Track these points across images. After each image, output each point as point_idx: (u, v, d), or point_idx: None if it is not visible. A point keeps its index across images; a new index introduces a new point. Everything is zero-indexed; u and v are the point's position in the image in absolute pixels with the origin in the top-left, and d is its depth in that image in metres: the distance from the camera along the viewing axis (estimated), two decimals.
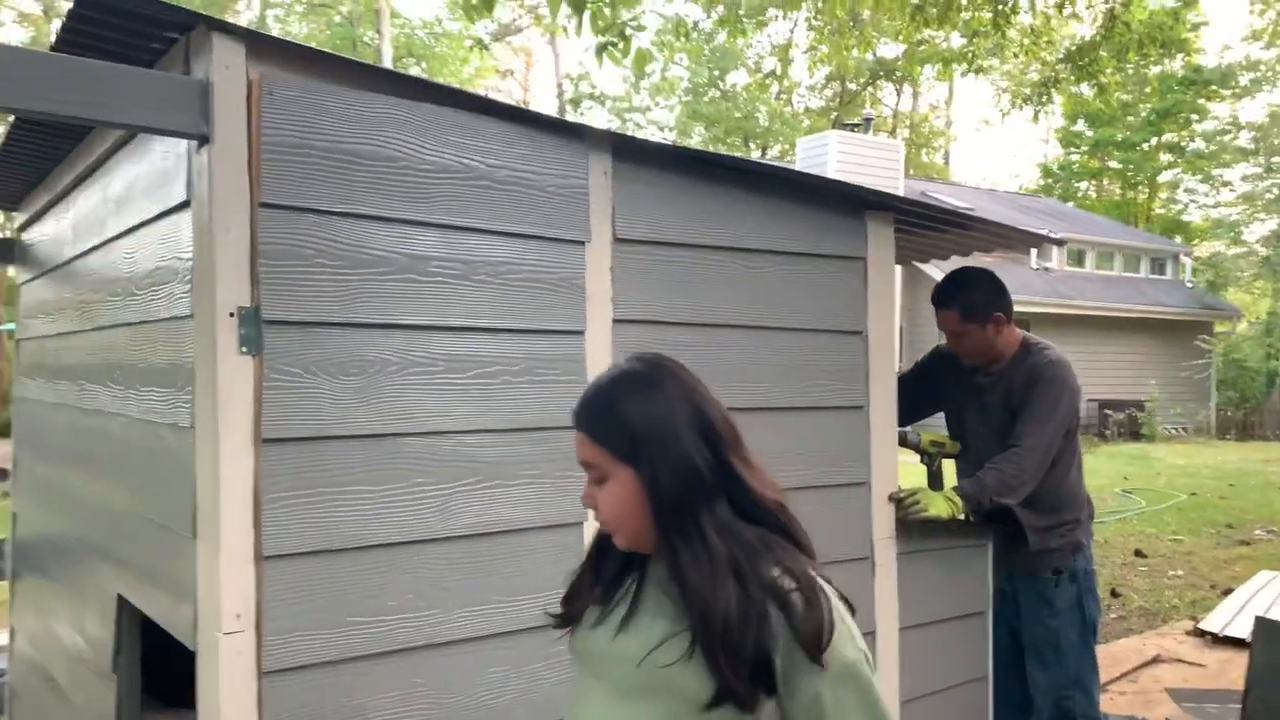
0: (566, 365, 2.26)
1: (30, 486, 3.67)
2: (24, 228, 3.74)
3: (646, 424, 1.32)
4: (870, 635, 2.85)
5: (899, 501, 2.82)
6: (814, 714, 1.26)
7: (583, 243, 2.27)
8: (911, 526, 2.85)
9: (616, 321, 2.32)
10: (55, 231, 3.25)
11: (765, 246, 2.57)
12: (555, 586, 2.21)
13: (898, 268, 2.93)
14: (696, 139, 30.27)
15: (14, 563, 3.75)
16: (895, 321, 2.82)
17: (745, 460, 1.35)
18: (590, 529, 2.30)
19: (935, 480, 3.17)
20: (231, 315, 1.83)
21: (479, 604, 2.12)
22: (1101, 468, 12.94)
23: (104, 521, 2.59)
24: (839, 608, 1.30)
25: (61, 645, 3.07)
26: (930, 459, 3.20)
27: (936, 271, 14.21)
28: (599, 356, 2.29)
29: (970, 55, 8.36)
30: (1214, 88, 30.35)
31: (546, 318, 2.22)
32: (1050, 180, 35.27)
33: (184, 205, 1.98)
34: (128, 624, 2.48)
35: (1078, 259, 22.00)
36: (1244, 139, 30.68)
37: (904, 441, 3.07)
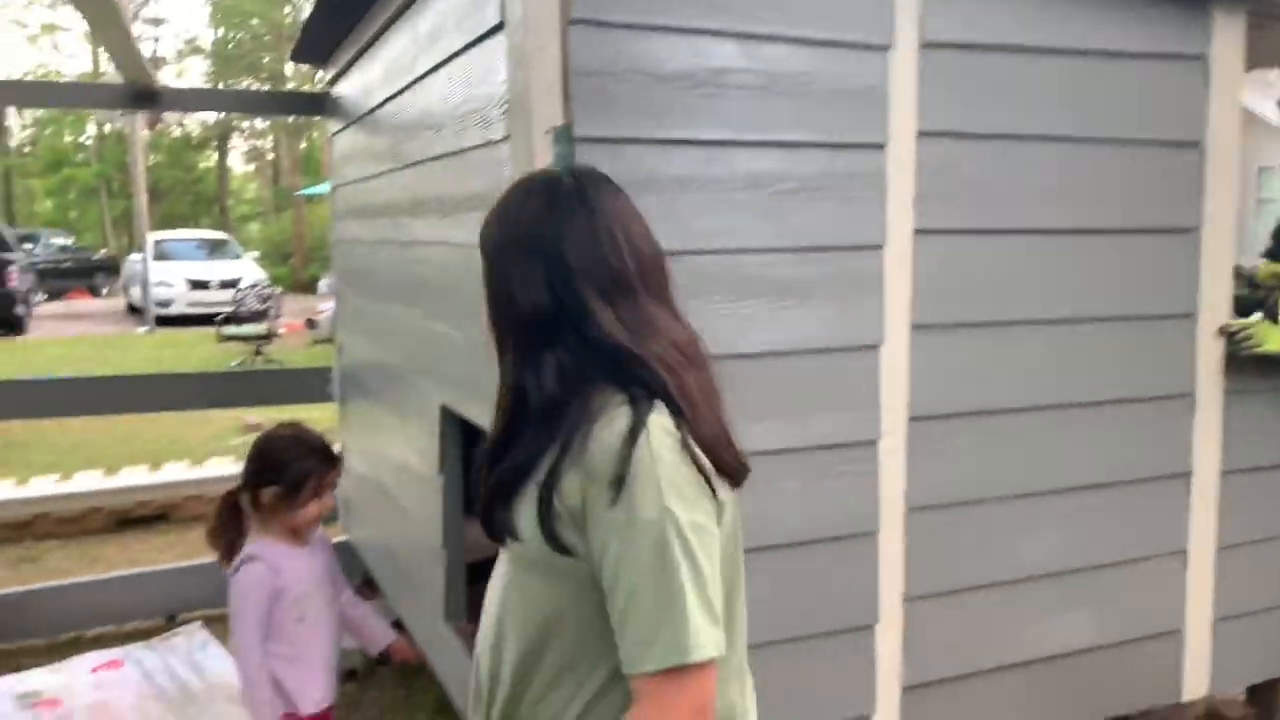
0: (866, 180, 2.17)
1: (353, 320, 4.08)
2: (333, 81, 4.04)
3: (509, 229, 1.24)
4: (1185, 477, 2.66)
5: (1230, 335, 2.55)
6: (602, 562, 1.12)
7: (887, 48, 2.14)
8: (1244, 363, 2.58)
9: (921, 134, 2.19)
10: (364, 81, 3.48)
11: (1088, 46, 2.31)
12: (845, 406, 2.22)
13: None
14: None
15: (342, 388, 4.23)
16: (1239, 130, 2.48)
17: (630, 301, 1.18)
18: (889, 352, 2.26)
19: (1274, 314, 2.84)
20: (547, 133, 1.89)
21: (771, 418, 2.15)
22: None
23: (425, 342, 2.84)
24: (667, 460, 1.11)
25: (388, 457, 3.45)
26: (1269, 292, 2.86)
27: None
28: (902, 170, 2.18)
29: None
30: None
31: (847, 131, 2.14)
32: None
33: (497, 29, 2.03)
34: (450, 432, 2.74)
35: None
36: None
37: (1236, 274, 2.75)
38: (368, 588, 4.48)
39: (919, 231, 2.22)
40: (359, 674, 3.58)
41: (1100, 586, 2.59)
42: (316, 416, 8.25)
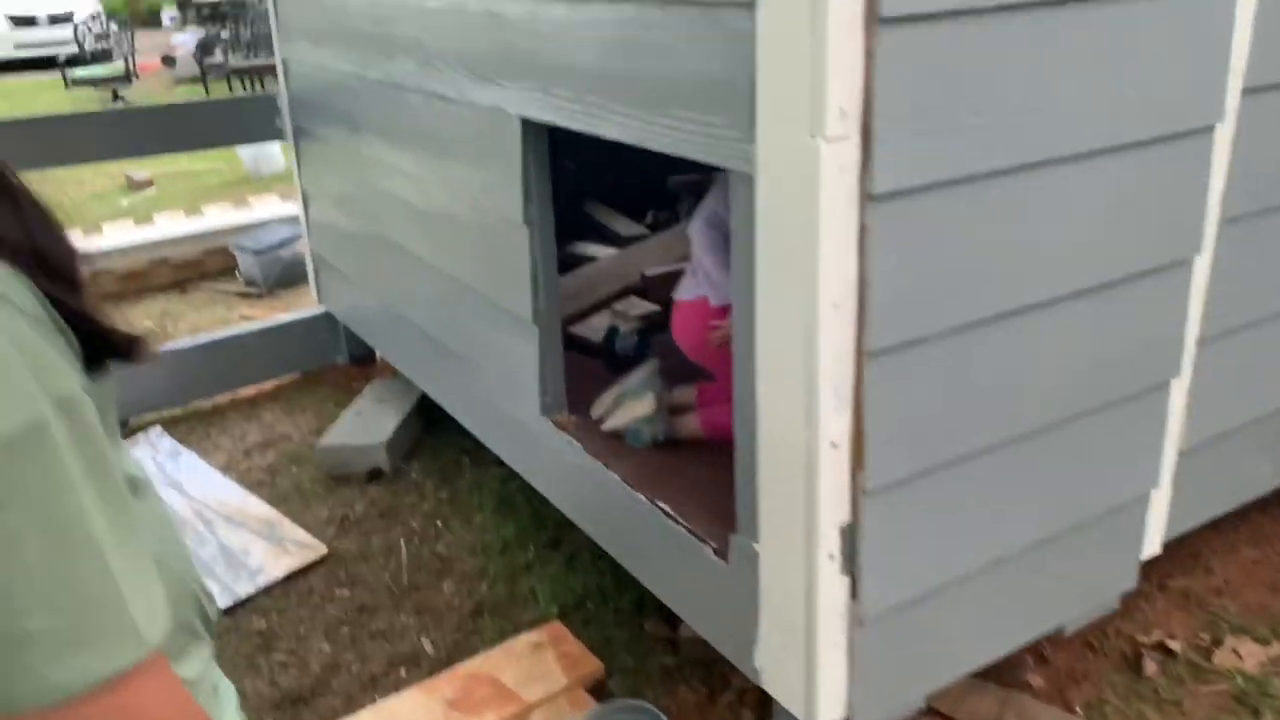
0: None
1: (309, 21, 3.04)
2: None
3: None
4: None
5: None
6: None
7: None
8: None
9: None
10: None
11: None
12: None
13: None
14: None
15: (295, 119, 3.22)
16: None
17: None
18: None
19: None
20: None
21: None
22: None
23: (479, 24, 1.94)
24: None
25: (397, 200, 2.59)
26: None
27: None
28: None
29: None
30: None
31: None
32: None
33: None
34: (536, 157, 1.92)
35: None
36: None
37: None
38: (355, 366, 3.73)
39: None
40: (385, 473, 2.92)
41: None
42: (217, 166, 6.98)
